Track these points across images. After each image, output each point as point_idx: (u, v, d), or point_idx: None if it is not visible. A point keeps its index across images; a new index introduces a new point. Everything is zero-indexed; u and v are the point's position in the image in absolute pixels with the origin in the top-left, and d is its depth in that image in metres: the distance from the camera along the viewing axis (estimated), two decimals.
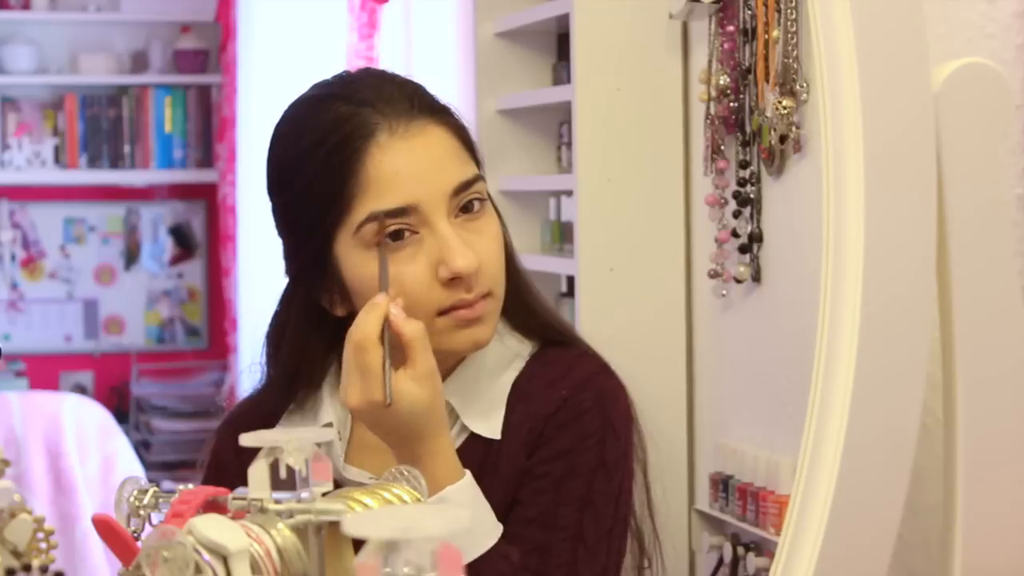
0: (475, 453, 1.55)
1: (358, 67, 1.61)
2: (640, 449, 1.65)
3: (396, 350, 1.47)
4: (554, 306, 2.49)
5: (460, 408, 1.58)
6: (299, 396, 1.63)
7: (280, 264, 1.65)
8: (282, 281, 1.66)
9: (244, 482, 1.26)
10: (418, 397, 1.46)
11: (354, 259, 1.53)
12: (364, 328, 1.46)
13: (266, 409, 1.64)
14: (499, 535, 1.50)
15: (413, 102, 1.54)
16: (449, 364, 1.58)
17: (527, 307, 1.63)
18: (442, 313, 1.53)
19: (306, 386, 1.63)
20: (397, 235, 1.51)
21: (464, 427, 1.58)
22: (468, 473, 1.50)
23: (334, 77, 1.65)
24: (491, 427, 1.57)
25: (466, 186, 1.54)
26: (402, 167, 1.51)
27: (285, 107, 1.61)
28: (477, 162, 1.59)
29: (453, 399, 1.57)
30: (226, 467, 1.63)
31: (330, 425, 1.60)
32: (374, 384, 1.45)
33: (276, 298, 1.66)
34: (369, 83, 1.57)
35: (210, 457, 1.70)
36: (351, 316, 1.53)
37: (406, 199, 1.50)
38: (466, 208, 1.54)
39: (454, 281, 1.51)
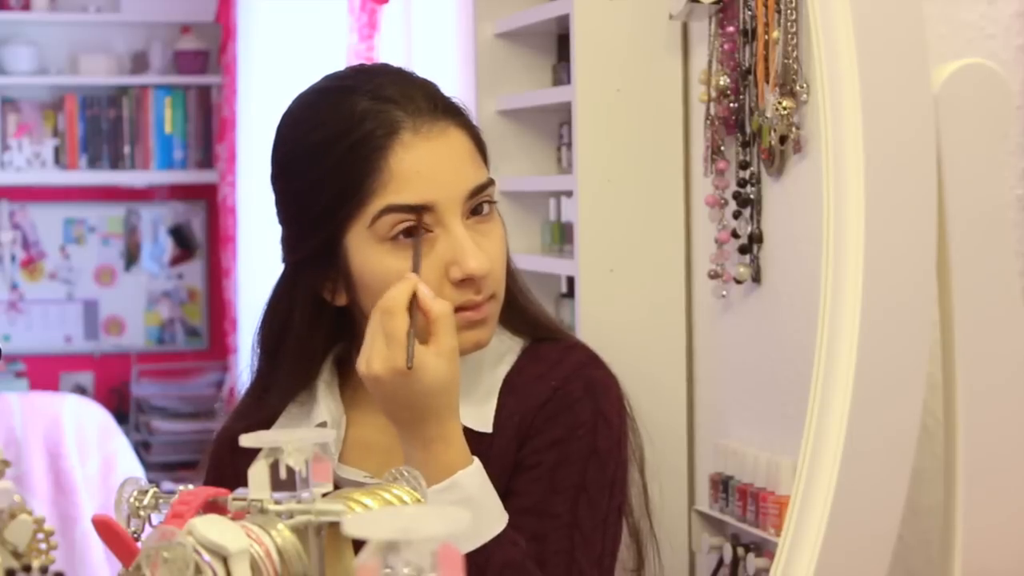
0: (468, 446, 1.55)
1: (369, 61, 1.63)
2: (636, 446, 1.66)
3: (421, 328, 1.48)
4: (552, 306, 2.50)
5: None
6: (300, 392, 1.63)
7: (278, 263, 1.65)
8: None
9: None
10: (441, 372, 1.47)
11: (366, 252, 1.54)
12: (394, 296, 1.48)
13: (267, 412, 1.64)
14: (506, 521, 1.51)
15: (436, 103, 1.57)
16: None
17: (518, 305, 1.65)
18: None
19: (310, 377, 1.63)
20: (410, 232, 1.53)
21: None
22: (476, 459, 1.51)
23: (349, 70, 1.66)
24: (482, 420, 1.59)
25: (480, 189, 1.56)
26: (424, 167, 1.53)
27: (296, 95, 1.62)
28: (486, 164, 1.61)
29: None
30: (223, 475, 1.62)
31: (324, 424, 1.61)
32: (398, 350, 1.46)
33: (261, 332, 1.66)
34: (390, 80, 1.58)
35: (207, 469, 1.70)
36: (351, 307, 1.57)
37: (424, 197, 1.52)
38: (476, 210, 1.57)
39: (465, 282, 1.54)
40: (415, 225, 1.52)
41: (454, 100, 1.60)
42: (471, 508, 1.46)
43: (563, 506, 1.54)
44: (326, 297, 1.59)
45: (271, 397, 1.64)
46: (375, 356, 1.47)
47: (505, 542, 1.49)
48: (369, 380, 1.49)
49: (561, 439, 1.56)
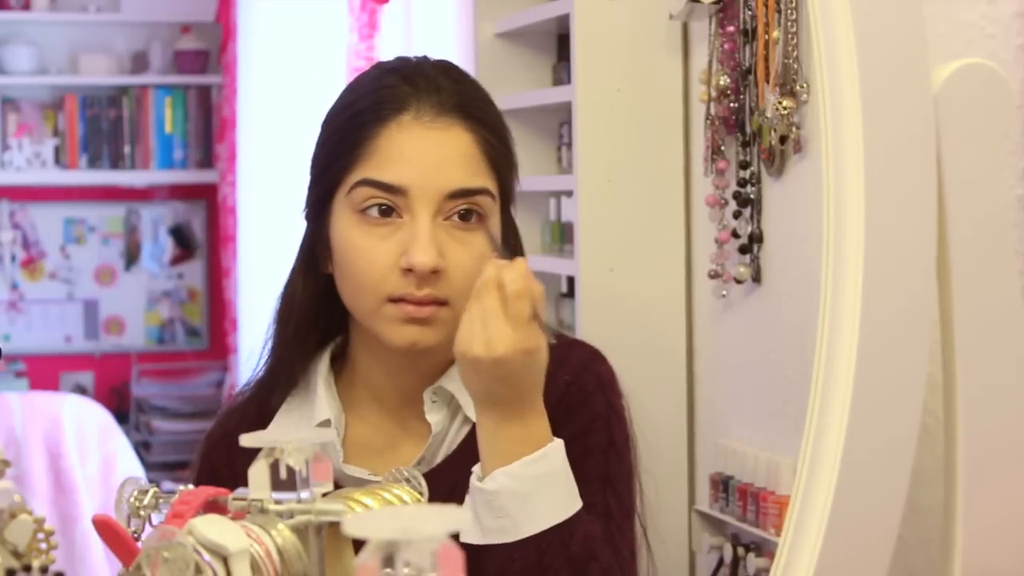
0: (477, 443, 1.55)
1: (440, 58, 1.64)
2: (633, 444, 1.66)
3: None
4: (552, 306, 2.50)
5: (463, 399, 1.58)
6: (299, 362, 1.63)
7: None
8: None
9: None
10: (545, 347, 1.46)
11: (339, 219, 1.57)
12: (531, 279, 1.44)
13: (260, 403, 1.65)
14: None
15: (454, 100, 1.57)
16: (447, 357, 1.57)
17: None
18: (392, 301, 1.54)
19: (303, 342, 1.63)
20: (386, 211, 1.54)
21: (467, 418, 1.59)
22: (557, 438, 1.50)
23: (417, 56, 1.67)
24: None
25: (464, 194, 1.55)
26: (409, 150, 1.54)
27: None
28: (502, 183, 1.59)
29: (455, 391, 1.58)
30: (218, 474, 1.62)
31: (327, 422, 1.61)
32: (534, 331, 1.43)
33: (276, 300, 1.68)
34: (428, 69, 1.60)
35: (199, 468, 1.70)
36: (332, 278, 1.59)
37: (399, 179, 1.53)
38: (463, 216, 1.55)
39: (410, 272, 1.53)
40: (388, 207, 1.54)
41: (485, 110, 1.59)
42: (561, 479, 1.47)
43: (594, 497, 1.54)
44: (318, 259, 1.61)
45: (275, 365, 1.65)
46: (499, 337, 1.42)
47: (585, 518, 1.49)
48: (487, 360, 1.43)
49: (580, 433, 1.56)
